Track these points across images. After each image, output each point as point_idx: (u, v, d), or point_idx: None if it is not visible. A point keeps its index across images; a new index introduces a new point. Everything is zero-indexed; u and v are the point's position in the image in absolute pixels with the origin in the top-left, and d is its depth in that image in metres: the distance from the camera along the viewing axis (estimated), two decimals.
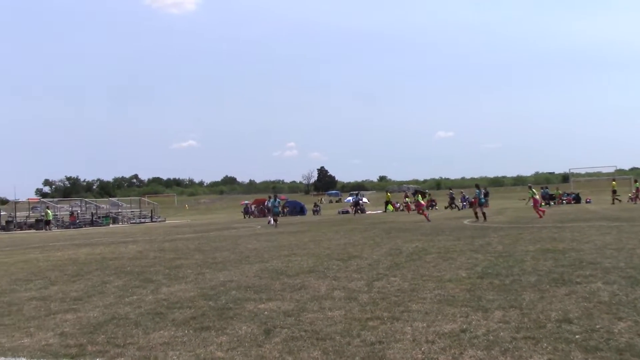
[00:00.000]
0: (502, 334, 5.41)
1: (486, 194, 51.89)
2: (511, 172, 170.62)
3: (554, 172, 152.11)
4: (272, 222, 30.89)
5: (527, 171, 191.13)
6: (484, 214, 25.73)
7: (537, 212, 27.03)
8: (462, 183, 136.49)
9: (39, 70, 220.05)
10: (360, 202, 56.18)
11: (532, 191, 28.63)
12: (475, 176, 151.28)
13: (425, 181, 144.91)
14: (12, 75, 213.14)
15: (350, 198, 77.70)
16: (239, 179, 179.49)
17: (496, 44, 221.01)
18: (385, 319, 6.23)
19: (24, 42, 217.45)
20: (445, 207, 49.63)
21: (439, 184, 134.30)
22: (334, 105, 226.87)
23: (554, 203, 46.49)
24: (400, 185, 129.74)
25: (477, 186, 26.99)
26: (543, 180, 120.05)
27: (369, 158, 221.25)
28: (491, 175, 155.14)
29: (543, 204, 20.23)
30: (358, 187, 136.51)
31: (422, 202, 31.04)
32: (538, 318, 5.96)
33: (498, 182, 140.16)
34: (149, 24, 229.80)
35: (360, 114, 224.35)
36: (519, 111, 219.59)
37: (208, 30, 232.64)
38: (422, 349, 5.05)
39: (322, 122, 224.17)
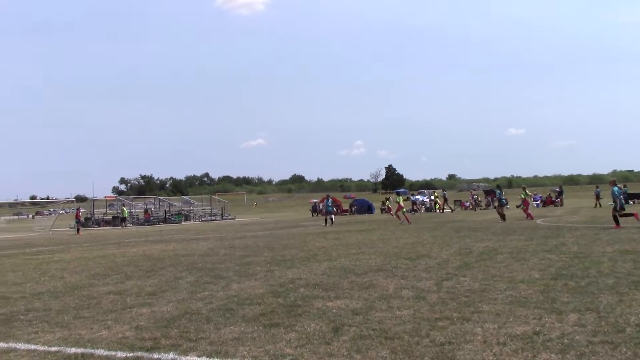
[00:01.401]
0: (577, 337, 5.23)
1: (560, 193, 50.41)
2: (586, 170, 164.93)
3: (633, 170, 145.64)
4: (329, 222, 31.41)
5: (604, 169, 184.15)
6: (503, 215, 25.98)
7: (527, 214, 27.03)
8: (535, 181, 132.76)
9: (114, 72, 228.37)
10: (426, 200, 55.50)
11: (525, 192, 28.88)
12: (548, 174, 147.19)
13: (496, 179, 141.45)
14: (93, 78, 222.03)
15: (418, 197, 76.93)
16: (307, 178, 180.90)
17: (569, 38, 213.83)
18: (455, 319, 6.14)
19: (102, 46, 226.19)
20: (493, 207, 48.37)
21: (510, 182, 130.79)
22: (402, 103, 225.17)
23: (633, 202, 44.70)
24: (469, 184, 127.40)
25: (499, 187, 27.95)
26: (621, 178, 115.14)
27: (438, 156, 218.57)
28: (565, 173, 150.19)
29: (622, 203, 18.85)
30: (426, 186, 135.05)
31: (401, 203, 31.22)
32: (616, 322, 5.73)
33: (573, 181, 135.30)
34: (219, 25, 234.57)
35: (428, 112, 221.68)
36: (594, 107, 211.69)
37: (276, 30, 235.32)
38: (494, 350, 4.94)
39: (390, 120, 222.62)
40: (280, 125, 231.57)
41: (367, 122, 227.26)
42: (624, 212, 19.31)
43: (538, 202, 49.51)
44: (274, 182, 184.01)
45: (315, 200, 65.92)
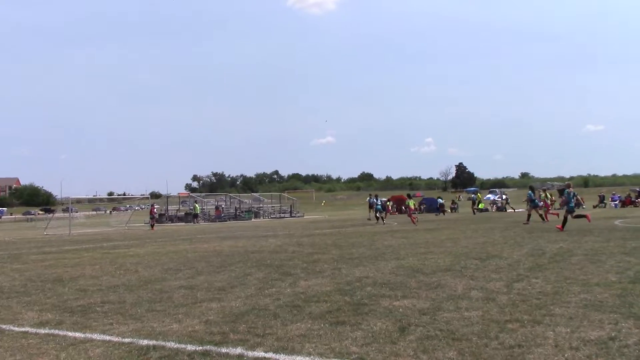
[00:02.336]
0: None
1: None
2: None
3: None
4: (380, 220, 31.86)
5: None
6: (529, 215, 25.89)
7: (545, 217, 26.63)
8: (614, 180, 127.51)
9: (188, 73, 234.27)
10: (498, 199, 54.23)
11: (545, 194, 29.49)
12: (628, 173, 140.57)
13: (571, 178, 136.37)
14: (167, 78, 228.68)
15: (490, 195, 75.31)
16: (376, 175, 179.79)
17: None
18: (526, 322, 5.98)
19: (176, 47, 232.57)
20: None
21: (586, 181, 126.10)
22: (474, 100, 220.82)
23: None
24: (543, 183, 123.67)
25: (531, 187, 28.09)
26: None
27: (511, 154, 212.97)
28: None
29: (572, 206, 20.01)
30: (498, 184, 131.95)
31: (412, 206, 31.74)
32: None
33: None
34: (291, 24, 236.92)
35: (501, 108, 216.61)
36: None
37: (347, 28, 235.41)
38: (566, 355, 4.79)
39: (461, 117, 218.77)
40: (349, 123, 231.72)
41: (438, 119, 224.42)
42: (576, 214, 20.57)
43: (617, 202, 47.63)
44: (342, 180, 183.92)
45: (383, 199, 65.48)
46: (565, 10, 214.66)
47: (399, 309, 6.86)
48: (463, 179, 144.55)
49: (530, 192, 27.11)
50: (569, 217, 19.92)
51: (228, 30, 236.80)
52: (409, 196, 35.18)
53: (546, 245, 14.35)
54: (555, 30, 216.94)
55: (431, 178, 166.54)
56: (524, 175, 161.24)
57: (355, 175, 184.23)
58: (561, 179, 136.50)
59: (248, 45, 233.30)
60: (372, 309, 6.93)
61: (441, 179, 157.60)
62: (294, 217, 56.23)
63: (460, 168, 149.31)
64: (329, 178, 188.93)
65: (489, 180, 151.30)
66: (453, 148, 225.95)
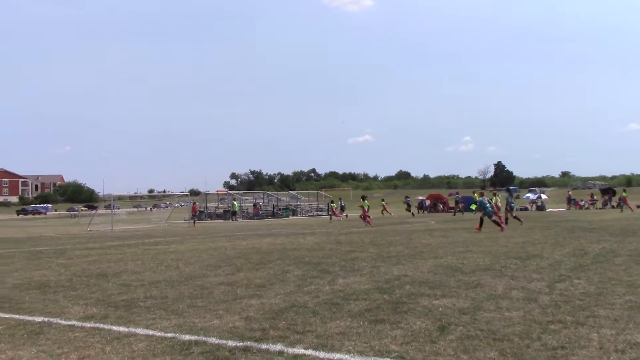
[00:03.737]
0: None
1: None
2: None
3: None
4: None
5: None
6: (506, 219, 24.85)
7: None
8: None
9: (222, 71, 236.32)
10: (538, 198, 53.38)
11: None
12: None
13: (613, 177, 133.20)
14: (199, 76, 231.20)
15: (529, 194, 74.19)
16: (413, 174, 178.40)
17: None
18: (569, 323, 5.89)
19: (215, 47, 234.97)
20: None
21: (629, 181, 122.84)
22: (513, 98, 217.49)
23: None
24: (584, 182, 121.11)
25: (508, 190, 29.44)
26: None
27: (551, 152, 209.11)
28: None
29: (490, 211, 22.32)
30: (538, 183, 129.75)
31: (365, 207, 30.81)
32: None
33: None
34: (328, 22, 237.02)
35: (541, 106, 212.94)
36: None
37: (384, 25, 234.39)
38: (611, 358, 4.71)
39: (500, 115, 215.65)
40: (386, 121, 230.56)
41: (476, 117, 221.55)
42: (494, 219, 21.82)
43: None
44: (379, 178, 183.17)
45: (421, 197, 65.11)
46: (605, 5, 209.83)
47: (438, 308, 6.83)
48: (502, 177, 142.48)
49: (507, 195, 27.88)
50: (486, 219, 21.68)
51: (264, 29, 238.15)
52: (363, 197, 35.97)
53: (588, 245, 14.09)
54: (599, 29, 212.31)
55: (469, 177, 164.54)
56: (565, 174, 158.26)
57: (393, 173, 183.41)
58: (603, 178, 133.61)
59: (284, 43, 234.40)
60: (411, 308, 6.91)
61: (479, 177, 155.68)
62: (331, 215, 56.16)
63: (499, 166, 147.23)
64: (366, 176, 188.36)
65: (528, 179, 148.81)
66: (492, 146, 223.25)
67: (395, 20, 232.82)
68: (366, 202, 31.16)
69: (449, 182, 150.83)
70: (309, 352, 5.16)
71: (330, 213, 41.38)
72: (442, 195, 64.40)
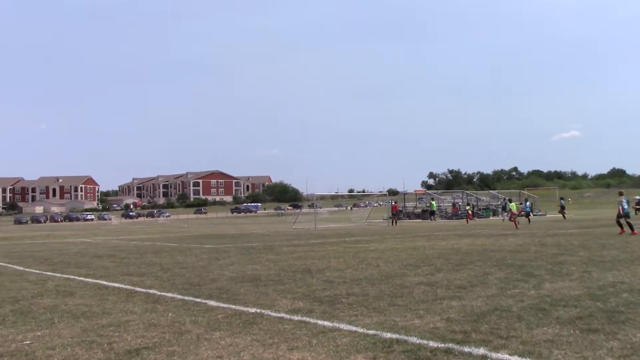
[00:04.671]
0: None
1: None
2: None
3: None
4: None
5: None
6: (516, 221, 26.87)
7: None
8: None
9: (423, 71, 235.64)
10: None
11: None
12: None
13: None
14: (393, 75, 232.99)
15: None
16: (629, 172, 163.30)
17: None
18: None
19: (392, 50, 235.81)
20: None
21: None
22: None
23: None
24: None
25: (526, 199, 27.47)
26: None
27: None
28: None
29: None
30: None
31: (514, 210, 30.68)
32: None
33: None
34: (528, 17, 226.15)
35: None
36: None
37: (582, 21, 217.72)
38: None
39: None
40: (596, 116, 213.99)
41: None
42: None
43: None
44: (589, 177, 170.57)
45: (638, 197, 59.21)
46: None
47: None
48: None
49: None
50: None
51: (452, 25, 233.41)
52: (510, 200, 34.74)
53: None
54: None
55: None
56: None
57: (605, 171, 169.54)
58: None
59: (488, 36, 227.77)
60: (630, 318, 6.31)
61: None
62: (535, 215, 53.47)
63: None
64: (573, 174, 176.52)
65: None
66: None
67: (592, 13, 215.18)
68: (514, 204, 32.58)
69: None
70: (514, 358, 4.95)
71: (507, 214, 36.31)
72: None
